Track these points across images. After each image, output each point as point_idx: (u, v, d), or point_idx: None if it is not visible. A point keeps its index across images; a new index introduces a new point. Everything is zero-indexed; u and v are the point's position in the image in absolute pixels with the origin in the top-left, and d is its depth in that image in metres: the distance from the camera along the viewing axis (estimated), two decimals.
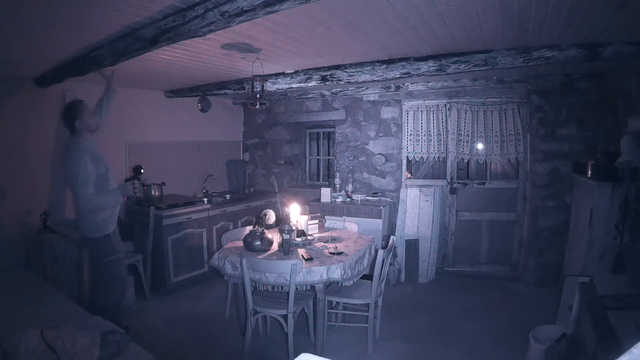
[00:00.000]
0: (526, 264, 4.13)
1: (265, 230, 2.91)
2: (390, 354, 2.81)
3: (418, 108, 4.51)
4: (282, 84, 3.40)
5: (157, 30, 1.95)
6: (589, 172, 3.19)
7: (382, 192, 4.67)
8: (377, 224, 4.18)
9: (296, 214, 3.15)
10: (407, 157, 4.63)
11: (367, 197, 4.56)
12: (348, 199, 4.51)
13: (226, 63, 2.98)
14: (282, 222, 2.92)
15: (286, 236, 2.75)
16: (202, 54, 2.68)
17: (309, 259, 2.62)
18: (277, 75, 3.36)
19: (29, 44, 2.33)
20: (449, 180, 4.48)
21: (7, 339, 1.77)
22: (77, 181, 2.44)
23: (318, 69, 3.17)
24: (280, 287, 2.60)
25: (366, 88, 4.35)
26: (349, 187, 4.64)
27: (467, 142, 4.34)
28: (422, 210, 4.27)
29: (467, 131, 4.33)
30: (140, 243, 3.87)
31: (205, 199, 4.37)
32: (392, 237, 3.08)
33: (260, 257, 2.68)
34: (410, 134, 4.56)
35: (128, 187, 2.73)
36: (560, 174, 3.86)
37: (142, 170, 2.96)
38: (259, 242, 2.81)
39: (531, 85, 3.86)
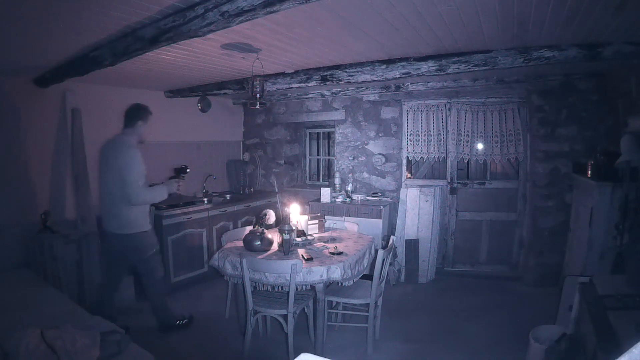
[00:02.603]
0: (526, 264, 4.13)
1: (265, 230, 2.91)
2: (390, 354, 2.80)
3: (418, 108, 4.51)
4: (282, 84, 3.40)
5: (157, 30, 1.95)
6: (589, 172, 3.19)
7: (382, 192, 4.67)
8: (377, 224, 4.18)
9: (296, 214, 3.15)
10: (407, 157, 4.63)
11: (367, 197, 4.56)
12: (348, 199, 4.50)
13: (226, 63, 2.98)
14: (282, 222, 2.92)
15: (286, 236, 2.75)
16: (202, 54, 2.68)
17: (309, 259, 2.62)
18: (277, 75, 3.36)
19: (29, 44, 2.33)
20: (449, 180, 4.48)
21: (7, 339, 1.77)
22: (132, 172, 2.69)
23: (318, 69, 3.17)
24: (280, 287, 2.60)
25: (366, 88, 4.35)
26: (349, 187, 4.63)
27: (467, 142, 4.34)
28: (422, 211, 4.27)
29: (467, 131, 4.33)
30: None
31: (205, 199, 4.36)
32: (392, 237, 3.08)
33: (260, 257, 2.68)
34: (410, 134, 4.55)
35: (172, 184, 2.97)
36: (560, 174, 3.86)
37: (188, 170, 3.18)
38: (259, 242, 2.81)
39: (531, 85, 3.86)
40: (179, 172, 3.08)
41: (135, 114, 2.90)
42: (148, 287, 3.06)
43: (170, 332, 3.07)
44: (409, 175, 4.71)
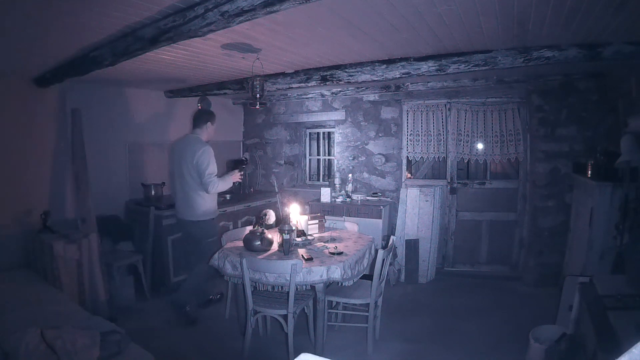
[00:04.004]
0: (526, 264, 4.13)
1: (265, 230, 2.91)
2: (390, 354, 2.80)
3: (418, 108, 4.51)
4: (282, 84, 3.40)
5: (157, 30, 1.95)
6: (589, 172, 3.19)
7: (382, 192, 4.67)
8: (377, 224, 4.18)
9: (296, 214, 3.15)
10: (407, 157, 4.63)
11: (367, 197, 4.56)
12: (348, 199, 4.50)
13: (226, 63, 2.98)
14: (282, 222, 2.92)
15: (286, 236, 2.75)
16: (202, 54, 2.68)
17: (309, 259, 2.62)
18: (277, 75, 3.36)
19: (29, 44, 2.33)
20: (449, 180, 4.48)
21: (7, 339, 1.77)
22: (209, 165, 3.11)
23: (318, 69, 3.17)
24: (280, 287, 2.60)
25: (366, 88, 4.35)
26: (349, 187, 4.63)
27: (467, 142, 4.34)
28: (422, 210, 4.27)
29: (467, 131, 4.33)
30: (141, 243, 3.88)
31: None
32: (392, 237, 3.08)
33: (260, 257, 2.68)
34: (410, 134, 4.55)
35: (235, 174, 3.41)
36: (560, 174, 3.86)
37: (247, 162, 3.84)
38: (259, 242, 2.81)
39: (531, 85, 3.86)
40: (239, 164, 3.59)
41: (205, 117, 3.33)
42: (194, 268, 3.33)
43: (182, 319, 3.27)
44: (409, 175, 4.71)
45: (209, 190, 3.15)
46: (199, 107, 4.66)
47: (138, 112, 4.25)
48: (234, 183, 3.38)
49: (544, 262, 3.93)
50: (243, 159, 3.75)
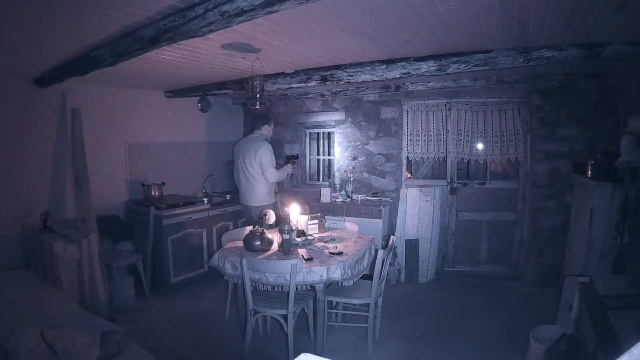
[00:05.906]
0: (526, 264, 4.13)
1: (265, 230, 2.91)
2: (390, 354, 2.81)
3: (418, 108, 4.51)
4: (282, 84, 3.40)
5: (157, 30, 1.95)
6: (589, 172, 3.18)
7: (382, 192, 4.67)
8: (377, 224, 4.17)
9: (296, 214, 3.15)
10: (407, 157, 4.62)
11: (367, 197, 4.56)
12: (348, 199, 4.50)
13: (226, 63, 2.98)
14: (282, 222, 2.92)
15: (286, 236, 2.75)
16: (202, 54, 2.68)
17: (309, 259, 2.62)
18: (277, 75, 3.36)
19: (28, 44, 2.33)
20: (449, 180, 4.48)
21: (7, 339, 1.77)
22: (270, 160, 3.65)
23: (318, 69, 3.17)
24: (280, 287, 2.60)
25: (366, 88, 4.35)
26: (349, 187, 4.63)
27: (467, 142, 4.34)
28: (422, 210, 4.27)
29: (467, 131, 4.33)
30: (140, 243, 3.88)
31: (205, 199, 4.36)
32: (392, 237, 3.08)
33: (260, 257, 2.68)
34: (410, 134, 4.55)
35: (289, 168, 3.92)
36: (560, 174, 3.86)
37: (297, 157, 4.24)
38: (259, 242, 2.81)
39: (531, 85, 3.86)
40: (291, 158, 4.05)
41: (263, 120, 3.85)
42: None
43: None
44: (409, 175, 4.71)
45: (269, 180, 3.67)
46: (199, 108, 4.67)
47: (138, 112, 4.25)
48: (288, 174, 3.96)
49: (544, 262, 3.93)
50: (295, 154, 4.31)
